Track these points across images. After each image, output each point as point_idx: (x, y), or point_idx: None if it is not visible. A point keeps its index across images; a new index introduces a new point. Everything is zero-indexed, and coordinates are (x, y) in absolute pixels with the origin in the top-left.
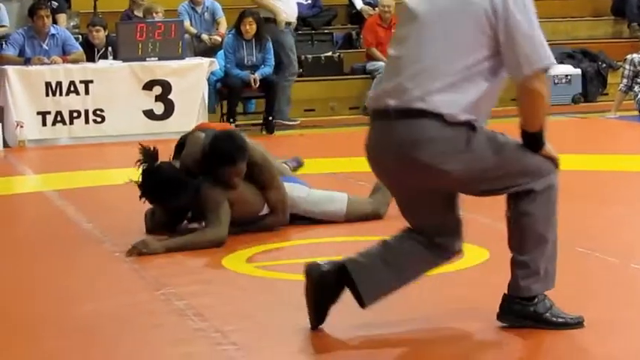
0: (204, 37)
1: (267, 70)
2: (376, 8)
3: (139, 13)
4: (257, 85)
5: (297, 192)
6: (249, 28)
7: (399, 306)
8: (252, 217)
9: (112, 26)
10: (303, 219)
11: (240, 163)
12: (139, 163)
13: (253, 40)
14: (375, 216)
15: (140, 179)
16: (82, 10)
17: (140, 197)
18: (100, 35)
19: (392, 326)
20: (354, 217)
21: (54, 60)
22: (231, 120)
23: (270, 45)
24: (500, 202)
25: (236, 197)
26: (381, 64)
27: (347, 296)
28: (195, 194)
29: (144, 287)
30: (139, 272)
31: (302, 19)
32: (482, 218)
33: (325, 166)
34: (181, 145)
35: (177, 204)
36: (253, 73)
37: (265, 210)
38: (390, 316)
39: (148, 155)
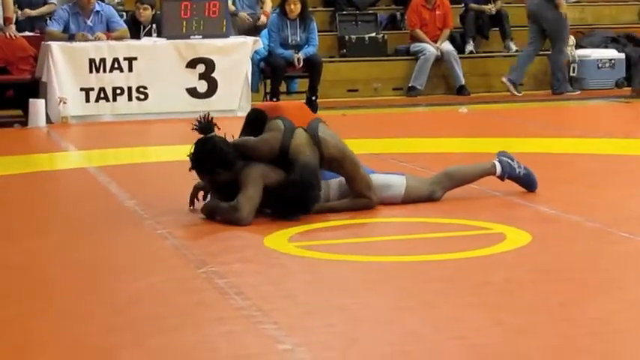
0: (242, 14)
1: (311, 49)
2: None
3: None
4: (301, 64)
5: None
6: (294, 7)
7: (437, 288)
8: None
9: (157, 3)
10: None
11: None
12: (195, 130)
13: (298, 19)
14: (429, 199)
15: (192, 150)
16: None
17: (190, 169)
18: (147, 13)
19: (430, 308)
20: (410, 200)
21: (98, 36)
22: (275, 99)
23: (314, 25)
24: (544, 186)
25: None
26: (425, 45)
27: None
28: (239, 172)
29: (186, 265)
30: (181, 250)
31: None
32: (527, 203)
33: (368, 147)
34: (251, 122)
35: (220, 178)
36: (297, 53)
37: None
38: (429, 297)
39: (203, 126)
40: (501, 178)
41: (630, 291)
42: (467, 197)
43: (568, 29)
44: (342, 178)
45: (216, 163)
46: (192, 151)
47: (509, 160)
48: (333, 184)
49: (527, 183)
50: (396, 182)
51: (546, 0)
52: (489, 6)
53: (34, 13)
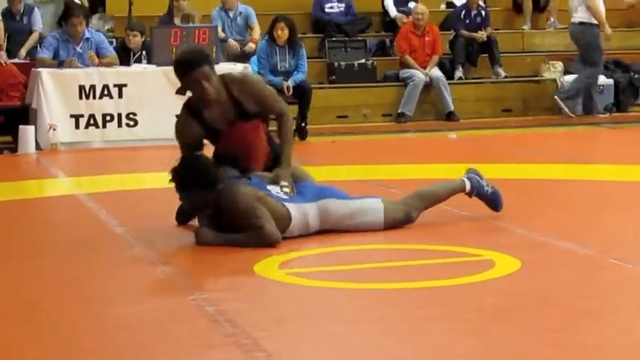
0: (232, 42)
1: (300, 76)
2: (410, 16)
3: (177, 19)
4: (290, 92)
5: (336, 208)
6: (281, 33)
7: (427, 315)
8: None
9: (146, 30)
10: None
11: (200, 66)
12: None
13: (287, 46)
14: (406, 221)
15: (176, 166)
16: (116, 14)
17: (170, 181)
18: (136, 40)
19: (420, 334)
20: (388, 224)
21: (90, 55)
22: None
23: (303, 52)
24: (533, 212)
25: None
26: (414, 71)
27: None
28: (220, 194)
29: (175, 292)
30: (171, 277)
31: (336, 26)
32: (517, 228)
33: (357, 173)
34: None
35: (201, 199)
36: (286, 80)
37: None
38: (419, 324)
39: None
40: (469, 194)
41: (621, 317)
42: (455, 223)
43: (601, 53)
44: (322, 202)
45: (198, 183)
46: (175, 166)
47: (478, 178)
48: (310, 208)
49: (494, 202)
50: (373, 206)
51: (580, 23)
52: (480, 33)
53: (23, 52)
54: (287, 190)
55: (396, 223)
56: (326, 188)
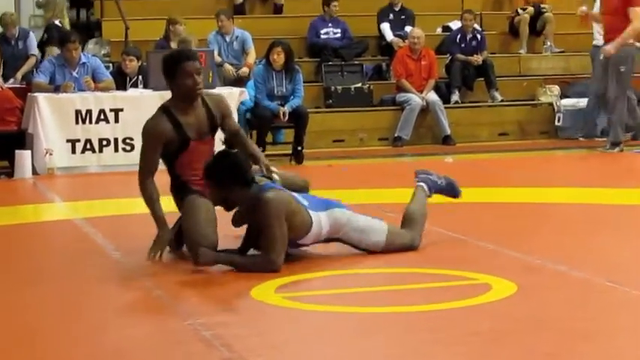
0: (228, 67)
1: (297, 101)
2: (406, 40)
3: (173, 44)
4: (286, 118)
5: (346, 219)
6: (278, 58)
7: (424, 338)
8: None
9: (143, 55)
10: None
11: (194, 59)
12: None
13: (283, 71)
14: (410, 247)
15: (211, 160)
16: (113, 38)
17: (204, 178)
18: (132, 65)
19: (417, 358)
20: (392, 247)
21: (86, 80)
22: (261, 149)
23: (299, 76)
24: (529, 236)
25: (288, 218)
26: (411, 95)
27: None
28: (254, 197)
29: (172, 316)
30: (168, 301)
31: (333, 50)
32: (513, 252)
33: (354, 197)
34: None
35: (236, 197)
36: (283, 106)
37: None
38: (416, 347)
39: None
40: (429, 195)
41: (617, 340)
42: (451, 246)
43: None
44: (331, 212)
45: (234, 178)
46: (211, 161)
47: (429, 176)
48: (323, 217)
49: (452, 191)
50: (378, 227)
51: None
52: (476, 57)
53: (19, 76)
54: (276, 177)
55: (400, 247)
56: (327, 199)
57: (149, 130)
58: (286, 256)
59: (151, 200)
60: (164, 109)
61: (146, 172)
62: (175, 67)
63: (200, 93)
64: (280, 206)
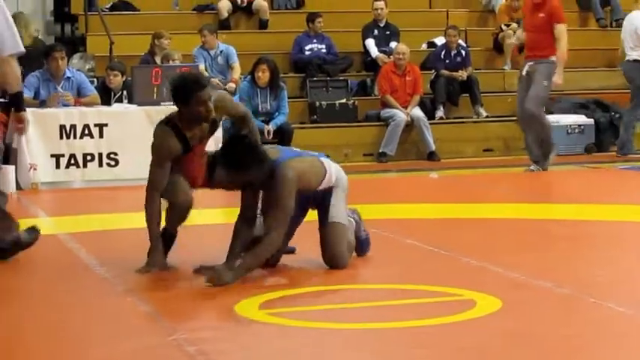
0: (215, 81)
1: (282, 118)
2: (391, 56)
3: (158, 59)
4: (271, 136)
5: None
6: (262, 75)
7: (410, 354)
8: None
9: (127, 70)
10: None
11: (207, 85)
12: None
13: (268, 88)
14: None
15: (222, 144)
16: (97, 53)
17: (217, 163)
18: (117, 80)
19: None
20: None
21: (66, 96)
22: None
23: (284, 93)
24: (513, 252)
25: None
26: (395, 111)
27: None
28: (269, 173)
29: (156, 332)
30: (152, 317)
31: (318, 66)
32: (497, 268)
33: None
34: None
35: (249, 177)
36: (268, 122)
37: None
38: None
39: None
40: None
41: (601, 356)
42: (435, 263)
43: None
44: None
45: (250, 161)
46: (222, 146)
47: (358, 219)
48: (326, 161)
49: (363, 248)
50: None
51: (634, 61)
52: (461, 72)
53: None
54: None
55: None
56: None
57: (159, 147)
58: (271, 271)
59: (152, 219)
60: (171, 123)
61: (154, 186)
62: (190, 95)
63: (212, 117)
64: (293, 180)
